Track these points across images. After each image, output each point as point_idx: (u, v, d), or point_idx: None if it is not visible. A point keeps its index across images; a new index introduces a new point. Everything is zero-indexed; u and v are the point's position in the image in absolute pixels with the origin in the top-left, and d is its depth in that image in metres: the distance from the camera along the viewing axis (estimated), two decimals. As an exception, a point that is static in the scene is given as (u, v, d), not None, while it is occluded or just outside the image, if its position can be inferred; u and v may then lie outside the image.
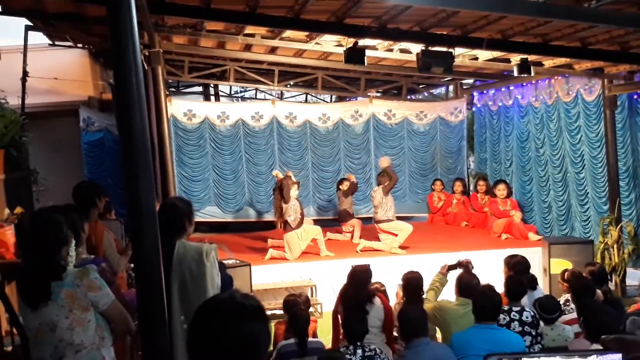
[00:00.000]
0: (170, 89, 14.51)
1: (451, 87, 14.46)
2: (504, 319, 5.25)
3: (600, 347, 1.64)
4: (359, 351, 4.83)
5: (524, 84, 11.89)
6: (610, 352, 1.17)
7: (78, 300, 3.20)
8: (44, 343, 3.18)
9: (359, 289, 5.72)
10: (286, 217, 9.53)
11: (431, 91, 15.16)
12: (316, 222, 12.95)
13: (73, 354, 3.18)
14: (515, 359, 1.23)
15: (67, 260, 3.35)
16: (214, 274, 3.92)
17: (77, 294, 3.20)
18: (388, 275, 7.53)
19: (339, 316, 5.90)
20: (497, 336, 4.61)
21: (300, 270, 9.34)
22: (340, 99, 15.53)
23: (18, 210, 6.91)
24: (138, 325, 3.37)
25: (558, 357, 1.22)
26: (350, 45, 7.67)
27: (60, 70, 11.66)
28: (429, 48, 7.27)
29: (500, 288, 5.68)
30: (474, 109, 14.21)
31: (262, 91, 16.63)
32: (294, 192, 9.65)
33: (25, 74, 10.33)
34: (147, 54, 8.02)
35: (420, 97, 15.28)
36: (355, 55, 7.58)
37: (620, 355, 1.02)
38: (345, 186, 11.50)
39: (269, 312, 5.66)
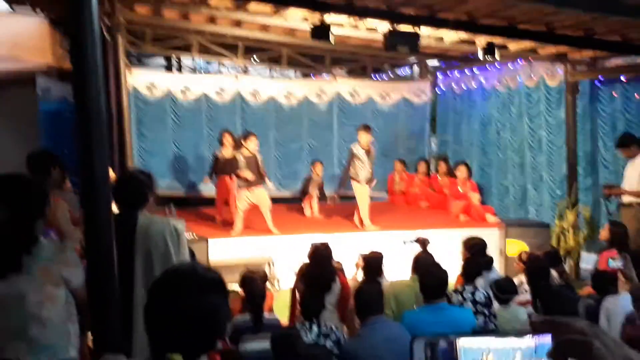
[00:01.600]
0: (131, 58, 14.21)
1: (416, 69, 14.47)
2: (457, 299, 5.31)
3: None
4: (315, 328, 4.84)
5: (488, 67, 11.95)
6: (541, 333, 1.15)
7: (52, 275, 3.11)
8: (10, 314, 3.07)
9: (322, 268, 5.73)
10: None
11: (396, 71, 15.14)
12: (276, 200, 12.99)
13: (40, 328, 3.09)
14: (449, 342, 1.19)
15: (40, 230, 3.25)
16: (181, 250, 3.86)
17: (52, 270, 3.11)
18: (346, 253, 7.53)
19: (297, 293, 5.90)
20: (447, 316, 4.64)
21: (258, 245, 9.29)
22: (304, 75, 15.42)
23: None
24: (88, 299, 3.31)
25: (494, 337, 1.19)
26: (317, 21, 7.59)
27: (18, 37, 11.30)
28: (396, 27, 7.23)
29: (456, 267, 5.74)
30: (438, 90, 14.23)
31: (227, 66, 16.42)
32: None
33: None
34: (107, 22, 7.83)
35: (385, 77, 15.26)
36: (321, 31, 7.51)
37: (550, 336, 0.99)
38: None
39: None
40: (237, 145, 9.85)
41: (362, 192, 10.09)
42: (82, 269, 3.25)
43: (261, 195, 9.53)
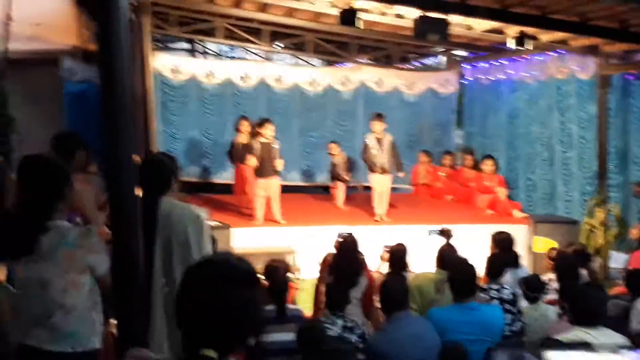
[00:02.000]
0: (157, 43, 14.13)
1: (443, 59, 14.25)
2: (484, 297, 5.17)
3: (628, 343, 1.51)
4: (340, 321, 4.74)
5: (517, 59, 11.71)
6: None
7: (77, 261, 3.03)
8: (32, 299, 3.00)
9: (350, 260, 5.63)
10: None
11: (422, 61, 14.92)
12: (301, 188, 12.90)
13: (63, 315, 3.01)
14: (535, 355, 1.06)
15: (60, 214, 3.16)
16: (202, 239, 3.74)
17: (77, 255, 3.03)
18: (368, 246, 7.38)
19: (322, 285, 5.80)
20: (477, 316, 4.50)
21: (281, 236, 9.19)
22: (329, 63, 15.25)
23: (-4, 157, 6.69)
24: (112, 285, 3.22)
25: (585, 352, 1.06)
26: (345, 6, 7.44)
27: (44, 17, 11.22)
28: (426, 14, 7.06)
29: (481, 263, 5.59)
30: (464, 81, 14.00)
31: (250, 51, 16.30)
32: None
33: (8, 18, 9.95)
34: (134, 3, 7.74)
35: (411, 66, 15.05)
36: (349, 16, 7.36)
37: None
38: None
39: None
40: (254, 133, 9.72)
41: (377, 182, 9.96)
42: (107, 255, 3.16)
43: (272, 186, 9.40)
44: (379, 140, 9.82)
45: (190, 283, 1.73)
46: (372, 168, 9.93)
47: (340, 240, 5.97)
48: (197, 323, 1.70)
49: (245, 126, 10.19)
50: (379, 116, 10.00)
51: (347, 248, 5.78)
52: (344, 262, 5.65)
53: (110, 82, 2.87)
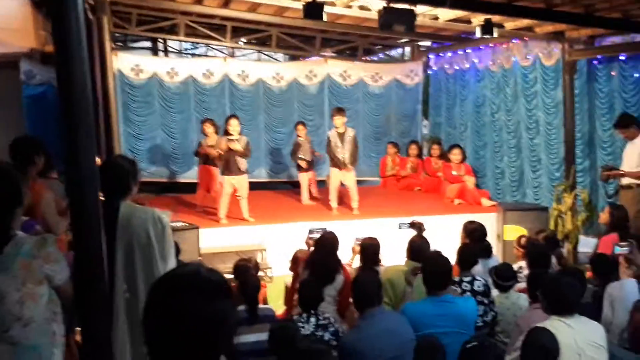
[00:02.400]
0: (117, 43, 13.90)
1: (408, 49, 14.25)
2: (455, 290, 5.14)
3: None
4: (313, 319, 4.69)
5: (482, 47, 11.74)
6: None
7: (33, 272, 2.90)
8: None
9: (329, 257, 5.57)
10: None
11: (387, 52, 14.91)
12: (268, 185, 12.80)
13: (21, 327, 2.89)
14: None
15: (17, 224, 3.04)
16: (165, 243, 3.63)
17: (33, 265, 2.90)
18: (341, 240, 7.32)
19: (295, 283, 5.75)
20: (452, 309, 4.47)
21: (250, 234, 9.09)
22: (293, 58, 15.15)
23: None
24: (75, 293, 3.12)
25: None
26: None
27: (1, 20, 10.96)
28: (391, 5, 6.99)
29: (452, 253, 5.58)
30: (430, 72, 14.02)
31: (214, 48, 16.11)
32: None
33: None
34: (91, 2, 7.56)
35: (376, 58, 15.02)
36: (313, 10, 7.25)
37: None
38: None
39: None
40: (220, 131, 9.59)
41: (335, 176, 9.96)
42: (65, 264, 3.04)
43: (240, 183, 9.28)
44: (340, 135, 9.77)
45: (159, 297, 1.63)
46: (333, 162, 9.90)
47: (319, 236, 5.90)
48: (168, 338, 1.60)
49: (210, 128, 10.00)
50: (340, 110, 9.96)
51: (326, 244, 5.71)
52: (322, 259, 5.58)
53: (68, 84, 2.77)
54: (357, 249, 6.32)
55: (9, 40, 11.15)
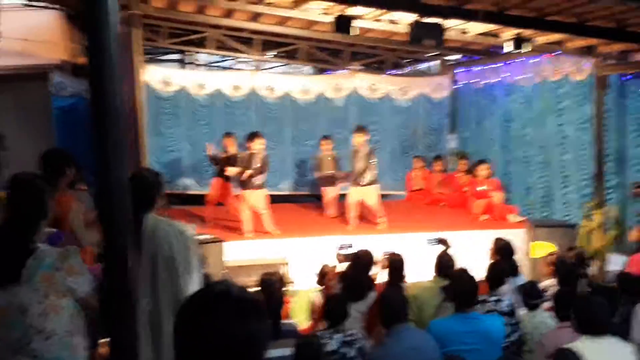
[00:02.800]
0: (147, 55, 14.02)
1: (435, 63, 14.18)
2: (481, 309, 5.08)
3: None
4: (338, 335, 4.64)
5: (511, 61, 11.63)
6: None
7: (56, 284, 2.91)
8: (11, 326, 2.87)
9: (365, 274, 5.55)
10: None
11: (415, 66, 14.86)
12: (292, 197, 12.78)
13: (42, 340, 2.89)
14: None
15: (40, 236, 3.05)
16: (189, 257, 3.62)
17: (56, 278, 2.91)
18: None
19: (321, 298, 5.72)
20: (479, 326, 4.42)
21: (273, 247, 9.07)
22: (320, 71, 15.18)
23: (-19, 175, 6.59)
24: (98, 305, 3.12)
25: None
26: (339, 13, 7.35)
27: (33, 32, 11.15)
28: (422, 19, 6.97)
29: (478, 270, 5.51)
30: (458, 86, 13.94)
31: (241, 61, 16.20)
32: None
33: (-3, 35, 9.85)
34: (124, 15, 7.65)
35: (403, 72, 14.98)
36: (343, 24, 7.27)
37: None
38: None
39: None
40: (242, 146, 9.64)
41: (353, 193, 9.92)
42: (89, 276, 3.04)
43: (259, 197, 9.28)
44: (355, 153, 9.83)
45: (188, 314, 1.62)
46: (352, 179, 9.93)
47: (355, 252, 5.88)
48: (200, 356, 1.58)
49: (231, 142, 10.02)
50: (359, 129, 10.00)
51: (362, 261, 5.69)
52: (357, 275, 5.56)
53: (101, 97, 2.78)
54: (386, 263, 6.28)
55: (40, 52, 11.37)
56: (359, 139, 9.80)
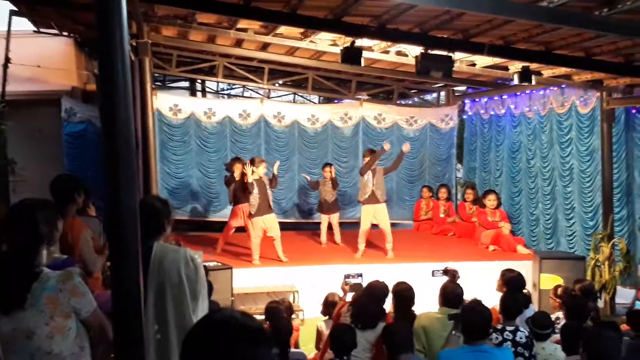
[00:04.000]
0: (156, 83, 14.18)
1: (443, 94, 14.27)
2: (497, 338, 5.03)
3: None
4: (345, 365, 4.62)
5: (518, 93, 11.71)
6: None
7: (60, 305, 2.92)
8: (18, 351, 2.88)
9: (377, 304, 5.50)
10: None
11: (422, 97, 14.96)
12: (299, 225, 12.79)
13: None
14: None
15: (42, 260, 3.09)
16: (197, 284, 3.63)
17: (60, 299, 2.93)
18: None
19: (328, 327, 5.68)
20: (489, 359, 4.37)
21: (282, 275, 9.09)
22: (328, 100, 15.29)
23: (-8, 200, 6.63)
24: (113, 331, 3.13)
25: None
26: (347, 44, 7.43)
27: (44, 59, 11.30)
28: (429, 51, 7.04)
29: (486, 301, 5.49)
30: (465, 116, 14.02)
31: (250, 89, 16.35)
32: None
33: (7, 60, 9.99)
34: (134, 44, 7.74)
35: (410, 102, 15.08)
36: (351, 55, 7.34)
37: None
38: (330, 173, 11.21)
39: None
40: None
41: (366, 214, 9.96)
42: (91, 296, 3.06)
43: (270, 222, 9.30)
44: (372, 171, 9.86)
45: (196, 344, 1.62)
46: (360, 200, 10.05)
47: (369, 283, 5.83)
48: None
49: (239, 167, 10.07)
50: (371, 152, 10.09)
51: (376, 292, 5.64)
52: (369, 305, 5.50)
53: (112, 125, 2.80)
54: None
55: (51, 78, 11.51)
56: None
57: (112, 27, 2.74)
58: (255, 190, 9.15)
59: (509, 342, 5.00)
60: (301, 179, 12.88)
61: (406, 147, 10.21)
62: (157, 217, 3.76)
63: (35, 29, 10.80)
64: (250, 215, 9.29)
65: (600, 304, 8.01)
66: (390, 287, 6.26)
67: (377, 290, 5.66)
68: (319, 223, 11.94)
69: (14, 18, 9.90)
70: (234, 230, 10.15)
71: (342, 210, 11.85)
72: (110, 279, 3.27)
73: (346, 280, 6.52)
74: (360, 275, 6.33)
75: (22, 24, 10.69)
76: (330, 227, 11.12)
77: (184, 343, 1.66)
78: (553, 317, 6.20)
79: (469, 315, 4.44)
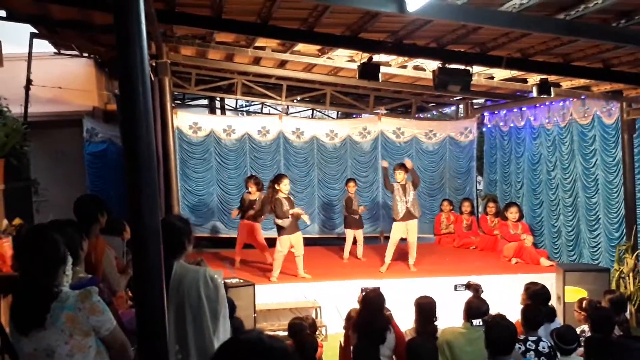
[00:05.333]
0: (176, 101, 14.32)
1: (461, 107, 14.26)
2: (519, 348, 4.99)
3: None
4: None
5: (537, 105, 11.64)
6: None
7: (79, 324, 2.97)
8: None
9: (375, 316, 5.44)
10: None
11: (441, 110, 14.96)
12: (320, 240, 12.80)
13: None
14: None
15: (62, 281, 3.12)
16: (217, 304, 3.63)
17: (79, 318, 2.97)
18: (395, 299, 7.21)
19: (348, 343, 5.64)
20: (514, 375, 4.33)
21: (305, 291, 9.08)
22: (346, 115, 15.33)
23: (17, 221, 6.69)
24: (137, 351, 3.15)
25: None
26: (364, 60, 7.46)
27: (64, 80, 11.46)
28: (446, 65, 7.05)
29: (510, 314, 5.45)
30: (484, 129, 13.98)
31: (268, 105, 16.45)
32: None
33: (29, 82, 10.14)
34: (154, 64, 7.82)
35: (429, 115, 15.09)
36: (369, 71, 7.37)
37: None
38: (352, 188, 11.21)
39: (271, 334, 5.38)
40: (262, 188, 9.87)
41: (397, 230, 9.94)
42: (110, 314, 3.10)
43: (298, 241, 9.34)
44: (402, 187, 9.84)
45: None
46: (394, 216, 9.97)
47: (362, 295, 5.80)
48: None
49: (253, 186, 10.11)
50: (401, 166, 10.01)
51: (371, 303, 5.59)
52: (368, 318, 5.47)
53: (134, 145, 2.82)
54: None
55: (72, 99, 11.65)
56: (400, 176, 9.89)
57: (132, 48, 2.78)
58: (286, 208, 9.16)
59: (532, 352, 4.96)
60: (320, 194, 12.91)
61: (385, 163, 10.22)
62: (178, 236, 3.78)
63: (55, 50, 10.97)
64: (279, 234, 9.31)
65: (626, 315, 7.89)
66: (413, 302, 6.25)
67: (372, 301, 5.60)
68: (339, 238, 11.93)
69: (35, 40, 10.04)
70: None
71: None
72: (134, 298, 3.31)
73: (362, 293, 6.49)
74: (375, 289, 6.27)
75: (43, 46, 10.85)
76: (354, 241, 11.11)
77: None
78: (578, 330, 6.13)
79: (495, 330, 4.40)
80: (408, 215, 9.81)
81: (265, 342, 1.65)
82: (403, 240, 10.07)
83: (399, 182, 9.90)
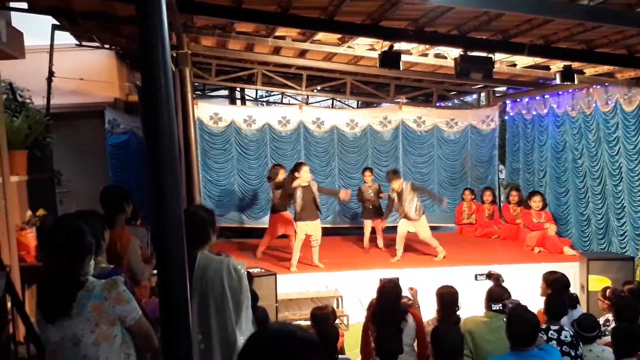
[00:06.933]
0: (196, 92, 14.36)
1: (483, 95, 14.13)
2: (541, 337, 4.95)
3: None
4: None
5: (560, 92, 11.50)
6: None
7: (105, 313, 3.00)
8: (67, 358, 2.97)
9: (391, 306, 5.42)
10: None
11: (462, 98, 14.85)
12: (340, 230, 12.79)
13: None
14: None
15: (88, 270, 3.16)
16: (240, 294, 3.64)
17: (105, 307, 3.00)
18: (417, 288, 7.19)
19: (370, 332, 5.63)
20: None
21: (326, 280, 9.10)
22: (366, 104, 15.27)
23: (40, 212, 6.77)
24: (160, 339, 3.17)
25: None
26: (385, 48, 7.41)
27: (86, 71, 11.53)
28: (468, 53, 6.98)
29: (532, 304, 5.41)
30: (506, 117, 13.85)
31: (288, 95, 16.44)
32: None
33: (51, 74, 10.20)
34: (174, 55, 7.85)
35: (450, 104, 14.97)
36: (390, 59, 7.31)
37: None
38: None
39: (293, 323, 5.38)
40: (292, 178, 9.74)
41: (403, 225, 9.96)
42: (135, 304, 3.12)
43: (315, 228, 9.34)
44: (399, 195, 9.81)
45: (254, 355, 1.64)
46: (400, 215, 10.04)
47: (379, 285, 5.79)
48: None
49: (282, 173, 10.06)
50: (394, 172, 10.10)
51: (388, 295, 5.57)
52: (385, 309, 5.44)
53: (156, 135, 2.83)
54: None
55: (95, 91, 11.73)
56: (396, 183, 9.83)
57: (153, 39, 2.78)
58: (300, 194, 9.17)
59: (554, 341, 4.93)
60: (341, 184, 12.89)
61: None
62: (203, 226, 3.79)
63: (77, 42, 11.03)
64: (295, 219, 9.33)
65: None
66: (434, 291, 6.24)
67: (389, 292, 5.57)
68: (361, 228, 11.94)
69: (57, 32, 10.09)
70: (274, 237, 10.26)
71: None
72: (158, 287, 3.32)
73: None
74: (391, 279, 6.26)
75: (65, 38, 10.91)
76: (373, 231, 11.10)
77: (239, 357, 1.67)
78: (602, 319, 6.08)
79: (517, 321, 4.35)
80: (410, 218, 9.82)
81: (297, 333, 1.65)
82: None
83: (395, 191, 9.86)
